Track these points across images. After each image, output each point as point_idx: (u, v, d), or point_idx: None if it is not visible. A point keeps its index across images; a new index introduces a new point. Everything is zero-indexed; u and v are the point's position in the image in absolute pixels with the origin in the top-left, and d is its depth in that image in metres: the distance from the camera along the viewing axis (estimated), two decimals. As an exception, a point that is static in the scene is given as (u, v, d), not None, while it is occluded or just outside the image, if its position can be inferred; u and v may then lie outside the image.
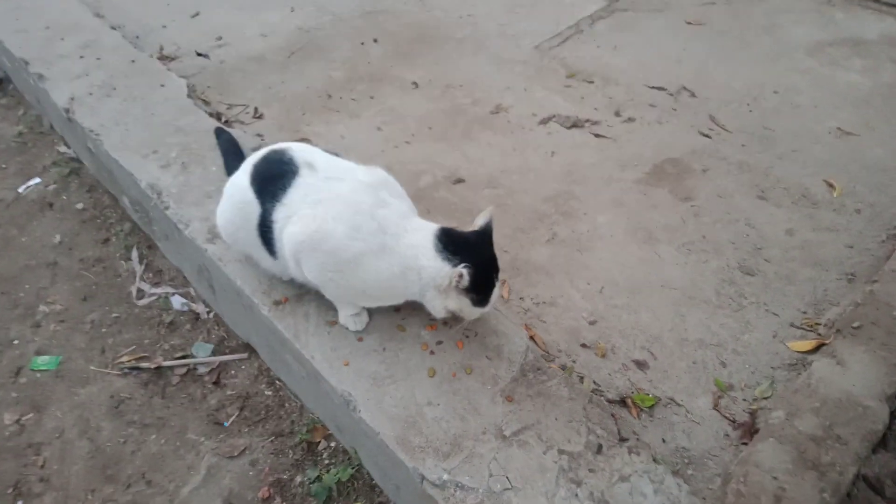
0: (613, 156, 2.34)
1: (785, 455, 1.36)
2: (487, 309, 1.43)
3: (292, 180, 1.40)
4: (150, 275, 2.07)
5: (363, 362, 1.45)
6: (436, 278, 1.36)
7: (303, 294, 1.58)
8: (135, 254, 2.12)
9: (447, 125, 2.45)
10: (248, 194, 1.45)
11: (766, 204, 2.15)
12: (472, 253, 1.38)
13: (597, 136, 2.43)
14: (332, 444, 1.61)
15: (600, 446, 1.32)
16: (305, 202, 1.38)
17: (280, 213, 1.40)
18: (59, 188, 2.36)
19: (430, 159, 2.27)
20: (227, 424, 1.67)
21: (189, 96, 2.29)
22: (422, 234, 1.40)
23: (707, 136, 2.45)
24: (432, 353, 1.47)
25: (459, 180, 2.19)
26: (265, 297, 1.58)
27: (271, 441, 1.63)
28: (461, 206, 2.09)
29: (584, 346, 1.67)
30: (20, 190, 2.35)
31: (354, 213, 1.37)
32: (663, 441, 1.46)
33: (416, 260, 1.37)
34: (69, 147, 2.49)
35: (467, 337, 1.51)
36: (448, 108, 2.54)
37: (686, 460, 1.42)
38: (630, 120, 2.52)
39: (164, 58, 2.64)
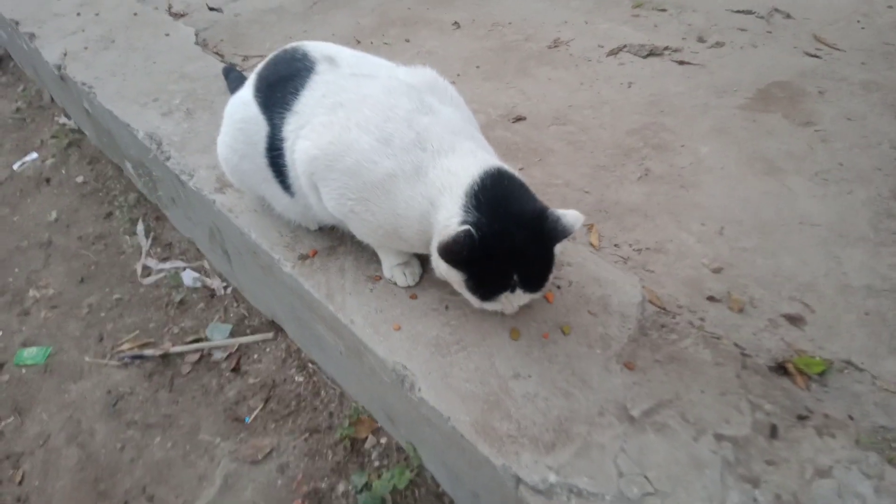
0: (705, 82, 1.92)
1: None
2: (494, 308, 0.99)
3: (307, 80, 1.03)
4: (158, 249, 1.74)
5: (420, 325, 1.06)
6: (440, 223, 0.94)
7: (336, 245, 1.21)
8: (140, 227, 1.79)
9: (498, 63, 2.07)
10: (252, 108, 1.09)
11: (912, 123, 1.69)
12: (504, 226, 0.92)
13: (681, 62, 2.02)
14: (383, 440, 1.22)
15: (775, 428, 0.90)
16: (323, 105, 1.01)
17: (291, 125, 1.03)
18: (57, 162, 2.06)
19: (481, 98, 1.89)
20: (248, 421, 1.31)
21: (197, 43, 1.97)
22: (468, 163, 0.96)
23: (816, 55, 2.01)
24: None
25: (520, 118, 1.80)
26: (287, 252, 1.21)
27: (305, 440, 1.26)
28: (525, 146, 1.70)
29: (711, 298, 1.24)
30: (14, 167, 2.06)
31: (386, 121, 0.98)
32: (850, 418, 1.02)
33: (440, 193, 0.95)
34: (69, 117, 2.19)
35: (559, 287, 1.11)
36: (497, 47, 2.16)
37: (892, 443, 0.98)
38: (718, 45, 2.10)
39: (174, 15, 2.33)
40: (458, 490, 1.08)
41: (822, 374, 1.10)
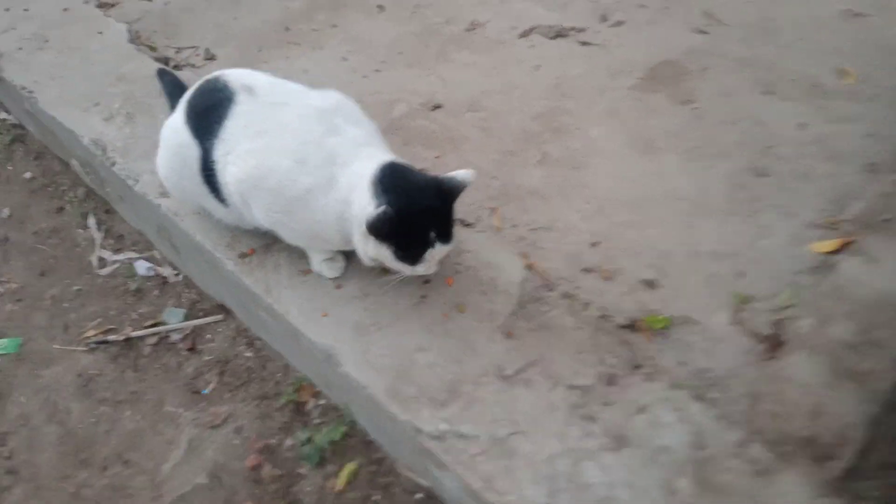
0: (603, 64, 2.13)
1: (818, 366, 1.22)
2: (423, 270, 1.21)
3: (228, 109, 1.21)
4: (111, 241, 1.90)
5: (344, 311, 1.29)
6: (358, 216, 1.16)
7: (271, 244, 1.42)
8: (91, 220, 1.94)
9: (420, 48, 2.22)
10: (184, 135, 1.26)
11: (774, 98, 1.95)
12: (408, 197, 1.14)
13: (584, 44, 2.22)
14: (322, 402, 1.47)
15: (613, 377, 1.18)
16: (245, 135, 1.20)
17: (220, 151, 1.22)
18: (2, 158, 2.16)
19: (403, 87, 2.06)
20: (206, 392, 1.54)
21: (131, 41, 2.07)
22: (368, 164, 1.17)
23: (704, 32, 2.23)
24: (421, 294, 1.31)
25: (437, 106, 1.99)
26: (229, 251, 1.41)
27: (256, 405, 1.50)
28: (441, 134, 1.90)
29: (586, 270, 1.51)
30: (-40, 165, 2.16)
31: (301, 144, 1.18)
32: (681, 364, 1.31)
33: (351, 192, 1.17)
34: (9, 113, 2.27)
35: (458, 272, 1.35)
36: (419, 31, 2.31)
37: (709, 382, 1.28)
38: (618, 24, 2.29)
39: (103, 5, 2.38)
40: (382, 437, 1.34)
41: (665, 328, 1.38)
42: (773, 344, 1.34)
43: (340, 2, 2.46)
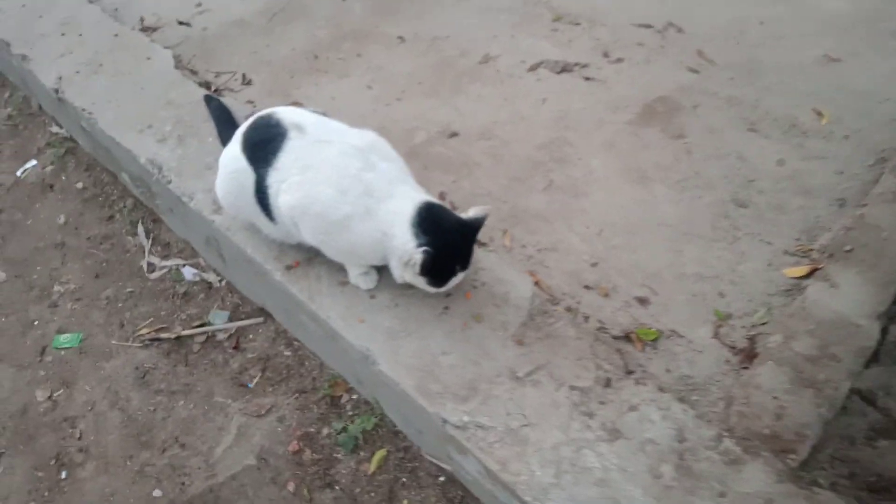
0: (603, 98, 2.35)
1: (783, 376, 1.44)
2: (443, 290, 1.46)
3: (282, 144, 1.44)
4: (159, 248, 2.11)
5: (377, 318, 1.51)
6: (399, 250, 1.40)
7: (312, 257, 1.63)
8: (140, 229, 2.15)
9: (436, 80, 2.44)
10: (241, 162, 1.48)
11: (756, 136, 2.18)
12: (443, 238, 1.38)
13: (587, 79, 2.44)
14: (354, 396, 1.69)
15: (608, 380, 1.40)
16: (296, 167, 1.42)
17: (273, 178, 1.45)
18: (56, 169, 2.37)
19: (422, 115, 2.28)
20: (251, 386, 1.75)
21: (176, 67, 2.28)
22: (405, 203, 1.41)
23: (696, 70, 2.46)
24: (443, 306, 1.53)
25: (454, 134, 2.21)
26: (277, 263, 1.63)
27: (295, 398, 1.71)
28: (457, 160, 2.11)
29: (586, 287, 1.73)
30: (18, 173, 2.36)
31: (342, 177, 1.41)
32: (668, 371, 1.54)
33: (391, 227, 1.40)
34: (61, 127, 2.48)
35: (475, 287, 1.57)
36: (436, 63, 2.53)
37: (690, 387, 1.50)
38: (619, 61, 2.52)
39: (146, 29, 2.60)
40: (408, 428, 1.56)
41: (654, 340, 1.61)
42: (747, 356, 1.56)
43: (363, 33, 2.68)
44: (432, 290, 1.45)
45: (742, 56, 2.51)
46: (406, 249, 1.37)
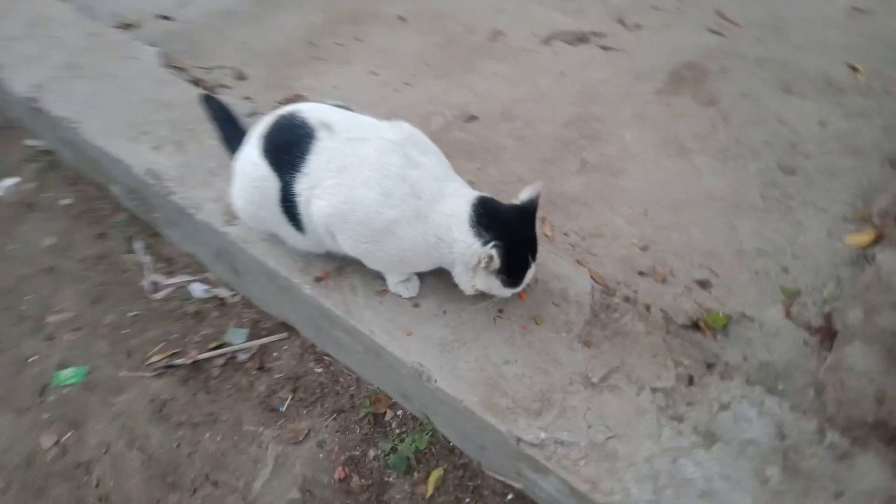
0: (626, 68, 2.21)
1: (874, 355, 1.32)
2: (519, 289, 1.33)
3: (310, 145, 1.26)
4: (161, 265, 1.93)
5: (426, 329, 1.35)
6: (465, 254, 1.26)
7: (343, 266, 1.47)
8: (138, 245, 1.96)
9: (446, 59, 2.28)
10: (263, 169, 1.31)
11: (793, 97, 2.06)
12: (508, 230, 1.25)
13: (605, 48, 2.29)
14: (399, 412, 1.54)
15: (691, 377, 1.26)
16: (329, 170, 1.25)
17: (303, 185, 1.27)
18: (38, 186, 2.16)
19: (435, 99, 2.12)
20: (283, 409, 1.58)
21: (163, 66, 2.08)
22: (457, 203, 1.27)
23: (719, 33, 2.32)
24: (497, 310, 1.38)
25: (472, 118, 2.05)
26: (303, 276, 1.46)
27: (334, 419, 1.55)
28: (480, 145, 1.96)
29: (641, 273, 1.59)
30: (-4, 194, 2.15)
31: (384, 178, 1.25)
32: (745, 359, 1.41)
33: (448, 231, 1.26)
34: (39, 139, 2.27)
35: (529, 286, 1.42)
36: (443, 41, 2.36)
37: (773, 375, 1.38)
38: (637, 27, 2.38)
39: (124, 26, 2.38)
40: (467, 445, 1.41)
41: (724, 326, 1.48)
42: (826, 335, 1.44)
43: (360, 15, 2.49)
44: (509, 291, 1.31)
45: (764, 14, 2.38)
46: (473, 252, 1.23)
